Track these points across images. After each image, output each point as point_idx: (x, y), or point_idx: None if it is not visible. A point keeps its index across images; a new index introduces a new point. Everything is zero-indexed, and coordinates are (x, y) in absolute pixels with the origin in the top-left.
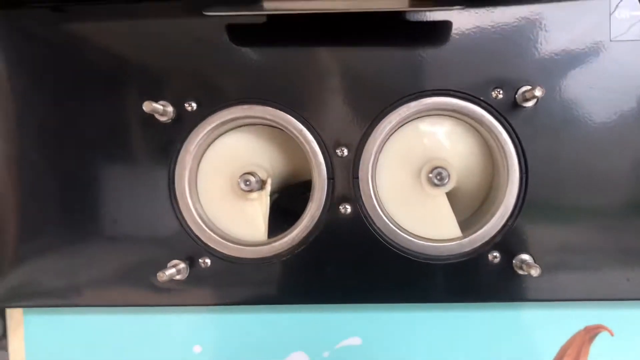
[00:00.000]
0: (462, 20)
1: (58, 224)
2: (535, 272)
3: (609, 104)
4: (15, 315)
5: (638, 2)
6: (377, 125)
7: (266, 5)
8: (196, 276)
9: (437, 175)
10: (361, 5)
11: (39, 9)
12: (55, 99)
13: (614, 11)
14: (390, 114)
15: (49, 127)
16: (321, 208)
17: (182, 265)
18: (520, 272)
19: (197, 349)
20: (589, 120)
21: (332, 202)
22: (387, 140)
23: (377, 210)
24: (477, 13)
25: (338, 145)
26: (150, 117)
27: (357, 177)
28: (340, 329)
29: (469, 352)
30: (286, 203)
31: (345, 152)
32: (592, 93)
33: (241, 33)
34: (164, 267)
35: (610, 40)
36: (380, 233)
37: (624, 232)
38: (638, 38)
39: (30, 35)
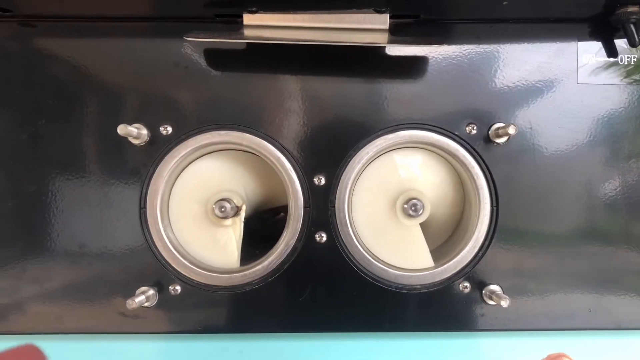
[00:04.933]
0: (439, 56)
1: (20, 246)
2: (504, 303)
3: (575, 142)
4: None
5: (603, 49)
6: (354, 155)
7: (247, 32)
8: (165, 303)
9: (412, 207)
10: (341, 38)
11: (6, 22)
12: (23, 117)
13: (580, 56)
14: (368, 145)
15: (16, 146)
16: (296, 236)
17: (151, 292)
18: (490, 302)
19: None
20: (557, 157)
21: (308, 230)
22: (363, 171)
23: (352, 239)
24: (453, 51)
25: (315, 173)
26: (123, 140)
27: (334, 206)
28: (313, 358)
29: None
30: (258, 226)
31: (323, 180)
32: (560, 132)
33: (220, 58)
34: (132, 293)
35: (577, 84)
36: (354, 262)
37: (587, 263)
38: (602, 82)
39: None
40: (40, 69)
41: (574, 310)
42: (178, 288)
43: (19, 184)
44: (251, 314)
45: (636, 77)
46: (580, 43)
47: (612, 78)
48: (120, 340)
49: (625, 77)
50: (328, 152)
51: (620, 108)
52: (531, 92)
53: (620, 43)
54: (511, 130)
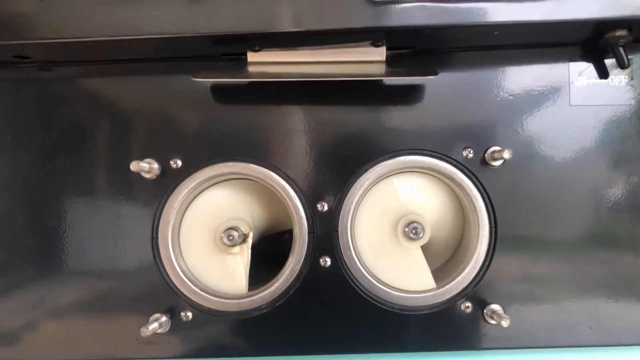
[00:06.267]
0: (435, 84)
1: (39, 276)
2: (505, 323)
3: (569, 162)
4: None
5: (594, 71)
6: (355, 181)
7: (251, 69)
8: (177, 328)
9: (412, 230)
10: (341, 72)
11: (25, 67)
12: (41, 156)
13: (572, 79)
14: (368, 171)
15: (35, 182)
16: (302, 261)
17: (163, 318)
18: (492, 321)
19: None
20: (553, 178)
21: (312, 255)
22: (364, 196)
23: (355, 262)
24: (448, 78)
25: (319, 200)
26: (135, 174)
27: (337, 231)
28: None
29: None
30: (265, 247)
31: (326, 207)
32: (556, 153)
33: (225, 94)
34: (145, 319)
35: (570, 105)
36: (358, 285)
37: (586, 281)
38: (595, 103)
39: (17, 92)
40: (56, 109)
41: (575, 327)
42: (189, 314)
43: (39, 218)
44: (260, 338)
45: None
46: (571, 65)
47: (604, 99)
48: None
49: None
50: (330, 179)
51: (613, 127)
52: (525, 115)
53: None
54: (506, 154)
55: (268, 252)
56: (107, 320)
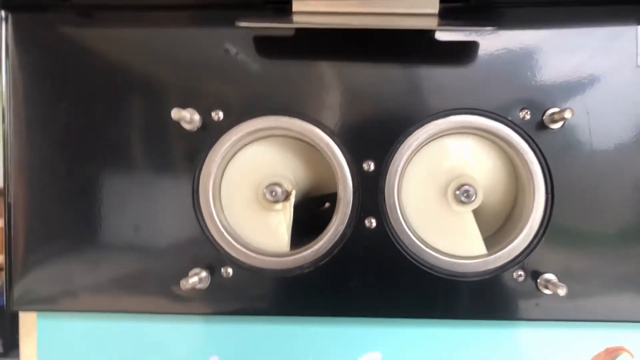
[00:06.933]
0: (490, 41)
1: (79, 230)
2: (562, 291)
3: (635, 128)
4: (28, 320)
5: None
6: (404, 141)
7: (296, 18)
8: (217, 285)
9: (464, 193)
10: (391, 23)
11: (64, 12)
12: (80, 104)
13: None
14: (418, 130)
15: (73, 133)
16: (346, 221)
17: (203, 273)
18: (546, 291)
19: (214, 359)
20: (615, 144)
21: (357, 215)
22: (413, 156)
23: (402, 225)
24: (505, 35)
25: (364, 159)
26: (176, 125)
27: (383, 192)
28: (361, 343)
29: None
30: (305, 215)
31: (372, 166)
32: (619, 118)
33: (269, 44)
34: (184, 275)
35: (637, 67)
36: (405, 248)
37: None
38: None
39: (57, 39)
40: (95, 57)
41: (633, 302)
42: (230, 270)
43: (79, 169)
44: (301, 298)
45: None
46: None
47: None
48: (173, 321)
49: None
50: (377, 137)
51: None
52: (587, 76)
53: None
54: (567, 114)
55: (308, 221)
56: (147, 275)
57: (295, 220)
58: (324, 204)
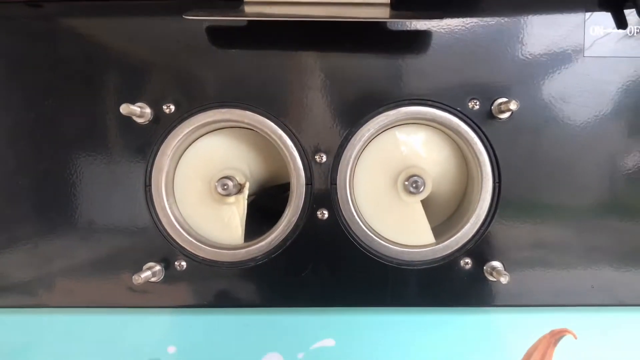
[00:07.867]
0: (441, 30)
1: (31, 224)
2: (504, 279)
3: (581, 118)
4: None
5: (612, 20)
6: (355, 132)
7: (247, 9)
8: (171, 278)
9: (412, 184)
10: (342, 13)
11: (13, 3)
12: (30, 96)
13: (587, 28)
14: (369, 122)
15: (24, 125)
16: (298, 213)
17: (157, 267)
18: (491, 278)
19: (171, 349)
20: (561, 132)
21: (309, 207)
22: (365, 148)
23: (354, 216)
24: (455, 24)
25: (317, 151)
26: (127, 118)
27: (335, 184)
28: (315, 331)
29: (439, 354)
30: (264, 203)
31: (324, 158)
32: (565, 107)
33: (221, 36)
34: (139, 268)
35: (584, 56)
36: (356, 238)
37: (588, 240)
38: (610, 55)
39: (5, 31)
40: (44, 50)
41: (577, 287)
42: (184, 264)
43: (29, 162)
44: (255, 289)
45: None
46: (587, 14)
47: (621, 50)
48: (128, 314)
49: None
50: (329, 129)
51: (629, 81)
52: (536, 65)
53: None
54: (513, 105)
55: (271, 207)
56: (101, 269)
57: (258, 208)
58: (287, 191)
